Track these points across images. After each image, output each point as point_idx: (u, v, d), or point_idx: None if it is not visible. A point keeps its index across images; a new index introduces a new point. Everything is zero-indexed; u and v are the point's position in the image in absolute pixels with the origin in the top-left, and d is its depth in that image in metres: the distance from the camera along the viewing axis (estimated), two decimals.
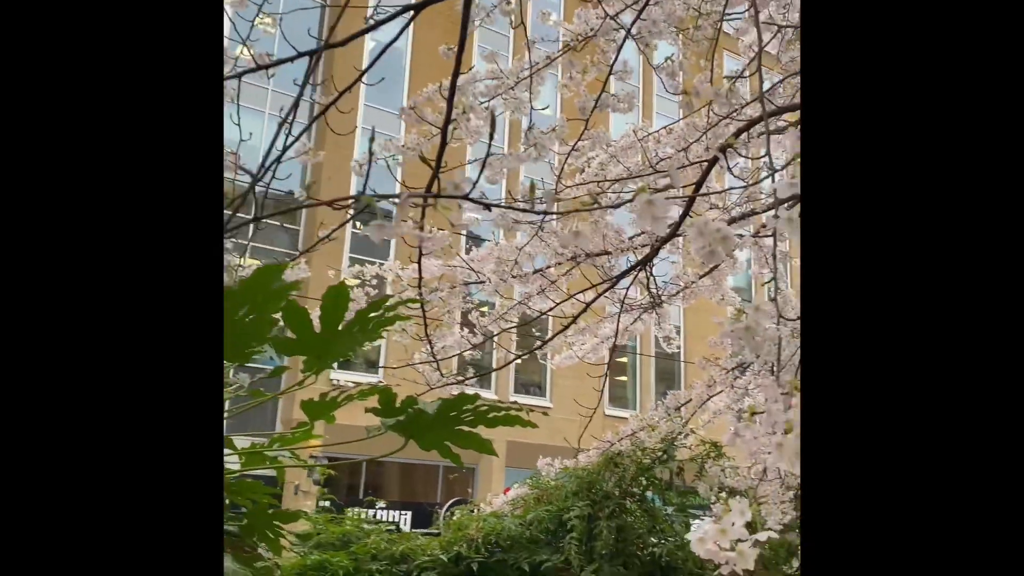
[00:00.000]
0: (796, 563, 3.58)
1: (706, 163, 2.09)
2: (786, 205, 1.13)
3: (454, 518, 3.66)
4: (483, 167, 1.07)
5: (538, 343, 4.24)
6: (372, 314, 1.20)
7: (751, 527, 0.99)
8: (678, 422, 3.54)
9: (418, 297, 2.39)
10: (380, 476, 16.22)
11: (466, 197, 0.79)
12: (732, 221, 3.86)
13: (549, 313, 2.89)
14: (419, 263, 2.03)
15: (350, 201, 0.82)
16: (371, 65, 1.81)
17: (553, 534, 3.56)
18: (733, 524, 0.98)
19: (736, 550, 0.97)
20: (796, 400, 1.03)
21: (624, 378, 19.21)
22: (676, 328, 5.19)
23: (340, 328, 1.16)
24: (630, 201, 0.88)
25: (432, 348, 2.69)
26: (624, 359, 18.63)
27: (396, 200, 0.81)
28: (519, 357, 3.22)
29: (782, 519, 3.07)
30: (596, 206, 0.96)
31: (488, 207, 0.80)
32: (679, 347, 5.49)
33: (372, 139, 0.87)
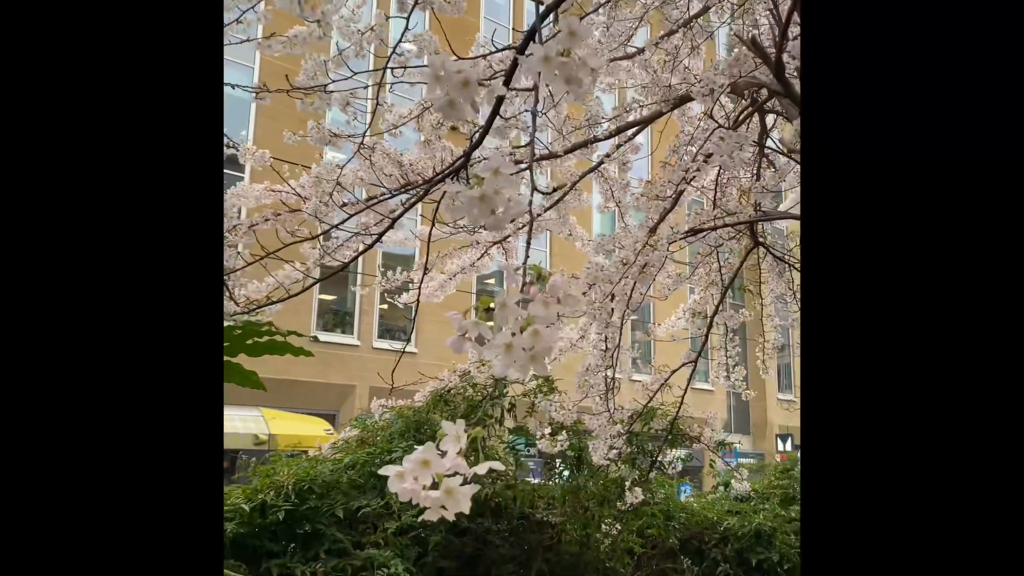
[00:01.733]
0: (629, 497, 3.51)
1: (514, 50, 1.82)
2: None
3: (263, 464, 3.31)
4: None
5: (363, 280, 3.91)
6: None
7: (473, 458, 0.74)
8: None
9: None
10: None
11: None
12: (571, 150, 3.65)
13: (343, 222, 2.55)
14: None
15: None
16: None
17: (377, 477, 3.30)
18: (444, 454, 0.72)
19: (443, 488, 0.71)
20: (536, 289, 0.78)
21: (490, 324, 19.18)
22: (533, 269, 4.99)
23: None
24: None
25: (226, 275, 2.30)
26: (492, 305, 18.59)
27: None
28: (316, 283, 2.88)
29: (607, 453, 2.96)
30: None
31: None
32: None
33: None
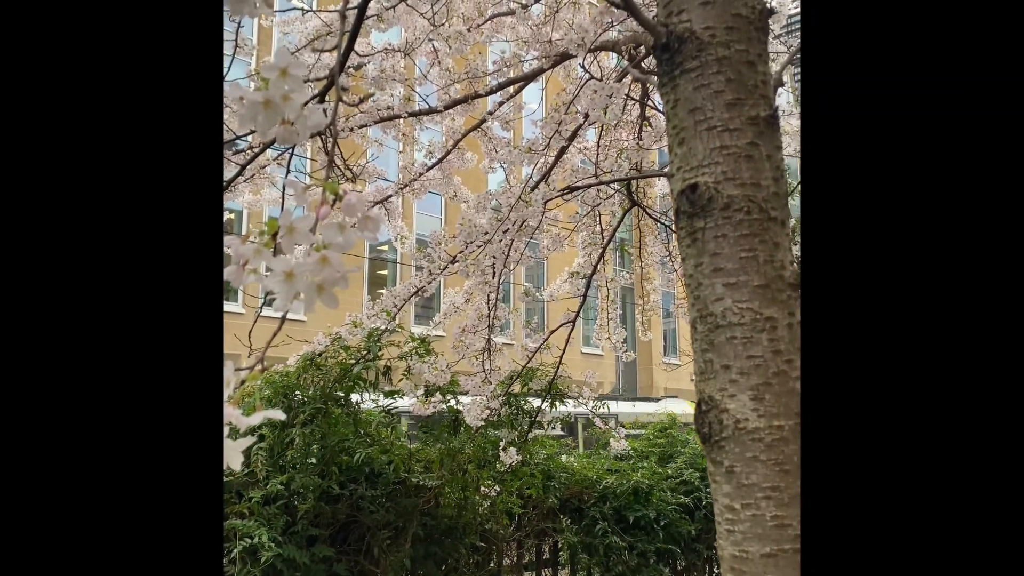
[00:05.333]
0: (505, 458, 3.48)
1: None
2: None
3: None
4: None
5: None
6: None
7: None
8: (384, 319, 3.22)
9: None
10: None
11: None
12: (451, 105, 3.52)
13: None
14: None
15: None
16: None
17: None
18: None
19: None
20: (327, 210, 0.67)
21: (383, 292, 18.92)
22: (399, 233, 4.84)
23: None
24: None
25: None
26: (384, 271, 18.31)
27: None
28: None
29: (481, 415, 2.91)
30: None
31: None
32: (411, 248, 5.17)
33: None
